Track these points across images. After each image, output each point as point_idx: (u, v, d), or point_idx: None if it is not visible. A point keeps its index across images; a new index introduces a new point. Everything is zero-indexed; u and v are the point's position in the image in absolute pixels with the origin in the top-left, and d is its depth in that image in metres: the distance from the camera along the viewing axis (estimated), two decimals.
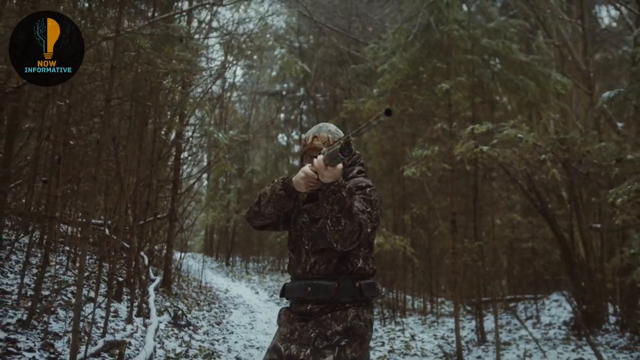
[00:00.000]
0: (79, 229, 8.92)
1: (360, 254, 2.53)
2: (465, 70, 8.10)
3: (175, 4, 9.30)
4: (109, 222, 8.35)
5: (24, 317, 5.79)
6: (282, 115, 25.25)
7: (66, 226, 9.56)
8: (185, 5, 11.17)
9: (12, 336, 5.29)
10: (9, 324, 5.61)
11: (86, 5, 7.11)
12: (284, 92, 23.91)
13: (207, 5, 9.15)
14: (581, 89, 10.25)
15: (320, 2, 15.43)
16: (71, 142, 6.40)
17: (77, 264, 9.05)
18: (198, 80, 10.61)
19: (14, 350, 5.03)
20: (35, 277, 7.13)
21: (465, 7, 9.07)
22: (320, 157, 2.25)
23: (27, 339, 5.44)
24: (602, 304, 9.24)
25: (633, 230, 8.65)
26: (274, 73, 22.14)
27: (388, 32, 8.44)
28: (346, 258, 2.50)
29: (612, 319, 9.29)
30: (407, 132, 11.13)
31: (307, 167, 2.39)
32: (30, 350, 5.19)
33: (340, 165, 2.23)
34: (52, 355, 5.28)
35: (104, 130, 5.29)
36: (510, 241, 11.56)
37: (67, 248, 9.16)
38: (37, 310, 6.07)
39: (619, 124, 9.61)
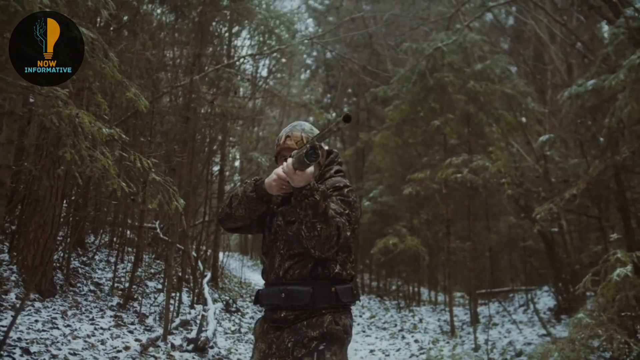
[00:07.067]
0: (148, 233, 11.00)
1: (338, 258, 2.38)
2: (455, 106, 9.87)
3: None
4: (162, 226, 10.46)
5: (121, 302, 7.88)
6: (311, 119, 26.75)
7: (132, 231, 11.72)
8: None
9: (117, 314, 7.36)
10: (112, 305, 7.69)
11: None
12: (313, 101, 25.36)
13: (249, 57, 11.23)
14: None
15: (342, 39, 17.27)
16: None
17: (143, 262, 11.24)
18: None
19: (122, 323, 7.08)
20: (116, 272, 9.25)
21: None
22: (290, 160, 2.11)
23: (127, 316, 7.50)
24: (582, 292, 10.87)
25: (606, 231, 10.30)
26: (302, 76, 23.51)
27: (394, 78, 10.21)
28: (322, 262, 2.34)
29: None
30: (413, 154, 12.75)
31: (279, 169, 2.25)
32: (132, 323, 7.25)
33: (311, 169, 2.10)
34: (147, 328, 7.34)
35: (185, 165, 7.27)
36: (510, 240, 13.17)
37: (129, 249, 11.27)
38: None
39: (601, 139, 11.11)
